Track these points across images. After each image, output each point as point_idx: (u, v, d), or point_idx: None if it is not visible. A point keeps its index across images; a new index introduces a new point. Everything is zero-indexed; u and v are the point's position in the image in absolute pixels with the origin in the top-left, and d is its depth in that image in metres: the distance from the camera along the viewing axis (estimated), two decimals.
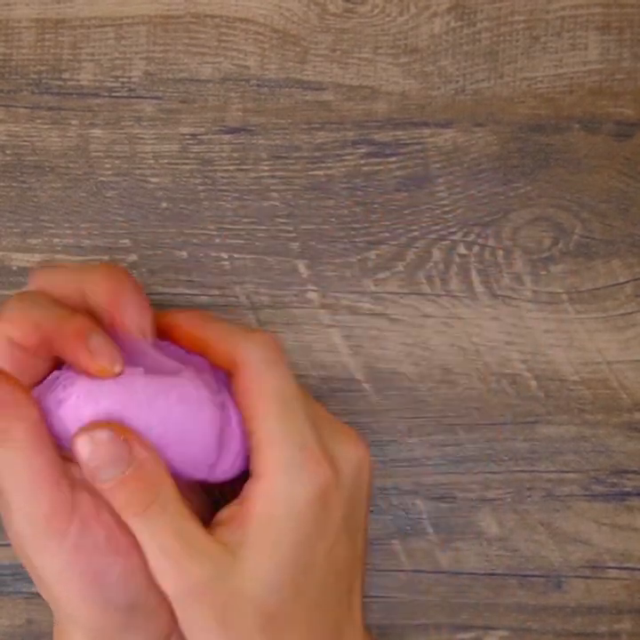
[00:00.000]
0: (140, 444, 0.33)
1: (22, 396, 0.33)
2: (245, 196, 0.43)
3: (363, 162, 0.43)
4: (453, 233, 0.43)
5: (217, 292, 0.43)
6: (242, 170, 0.43)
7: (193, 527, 0.34)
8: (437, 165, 0.43)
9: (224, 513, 0.35)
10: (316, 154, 0.43)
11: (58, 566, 0.34)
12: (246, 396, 0.35)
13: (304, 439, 0.34)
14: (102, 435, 0.33)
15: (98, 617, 0.34)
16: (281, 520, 0.34)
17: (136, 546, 0.34)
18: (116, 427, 0.33)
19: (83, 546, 0.34)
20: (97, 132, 0.43)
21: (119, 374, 0.34)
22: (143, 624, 0.35)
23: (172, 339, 0.36)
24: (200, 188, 0.43)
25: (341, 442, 0.36)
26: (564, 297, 0.43)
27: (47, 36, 0.43)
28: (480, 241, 0.43)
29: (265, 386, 0.35)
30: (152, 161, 0.43)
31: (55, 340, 0.34)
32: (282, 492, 0.34)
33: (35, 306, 0.35)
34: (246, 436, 0.35)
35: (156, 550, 0.33)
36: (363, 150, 0.43)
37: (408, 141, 0.43)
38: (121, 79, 0.43)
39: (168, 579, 0.33)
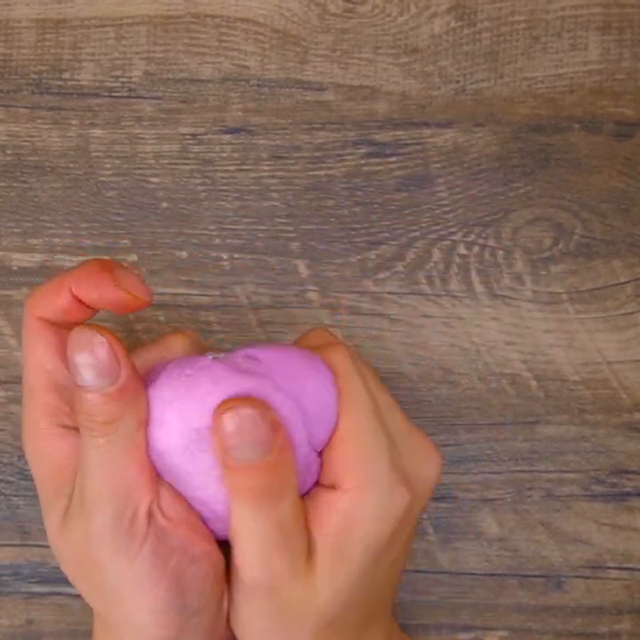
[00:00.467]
0: (285, 432, 0.32)
1: (142, 389, 0.32)
2: (246, 196, 0.43)
3: (363, 162, 0.43)
4: (453, 233, 0.43)
5: (217, 293, 0.43)
6: (242, 170, 0.43)
7: (295, 526, 0.33)
8: (437, 165, 0.43)
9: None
10: (317, 154, 0.43)
11: (135, 573, 0.33)
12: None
13: (393, 458, 0.33)
14: (250, 413, 0.31)
15: (169, 625, 0.33)
16: (360, 536, 0.33)
17: (209, 551, 0.34)
18: (269, 411, 0.31)
19: (162, 552, 0.33)
20: (97, 131, 0.43)
21: (147, 302, 0.33)
22: (202, 627, 0.34)
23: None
24: (200, 188, 0.43)
25: (422, 460, 0.35)
26: (565, 297, 0.43)
27: (47, 36, 0.43)
28: (480, 241, 0.43)
29: (355, 398, 0.33)
30: (152, 161, 0.43)
31: (81, 288, 0.33)
32: (366, 509, 0.33)
33: (49, 280, 0.34)
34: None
35: (254, 539, 0.32)
36: (363, 150, 0.43)
37: (408, 141, 0.43)
38: (121, 79, 0.43)
39: (252, 568, 0.33)
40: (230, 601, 0.34)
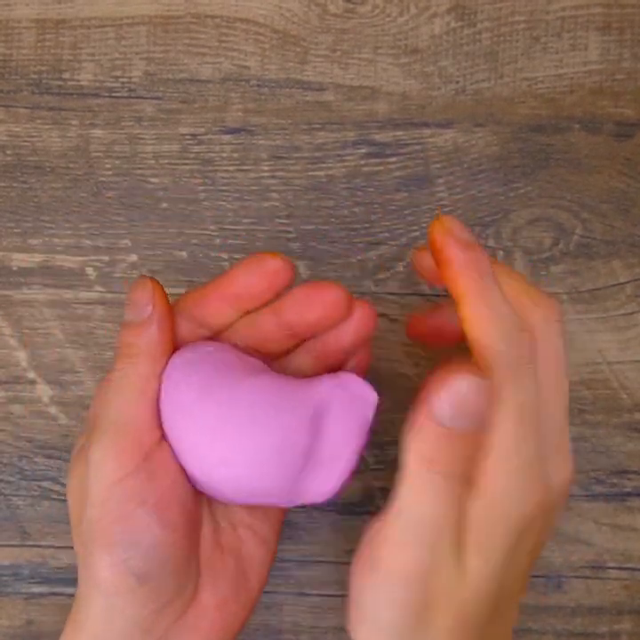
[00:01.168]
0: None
1: (163, 338, 0.35)
2: (245, 197, 0.43)
3: (363, 162, 0.43)
4: None
5: None
6: (242, 170, 0.43)
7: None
8: (437, 166, 0.43)
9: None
10: (317, 154, 0.43)
11: (107, 501, 0.34)
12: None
13: (533, 457, 0.32)
14: (478, 382, 0.31)
15: (111, 570, 0.34)
16: (496, 532, 0.32)
17: (182, 531, 0.35)
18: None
19: (138, 495, 0.34)
20: (97, 132, 0.43)
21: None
22: (145, 603, 0.35)
23: (437, 264, 0.33)
24: (200, 188, 0.43)
25: (557, 465, 0.34)
26: (565, 297, 0.43)
27: (47, 37, 0.43)
28: (480, 241, 0.43)
29: (509, 400, 0.32)
30: (152, 161, 0.43)
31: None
32: (500, 506, 0.32)
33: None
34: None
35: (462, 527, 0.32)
36: (363, 150, 0.43)
37: (408, 142, 0.43)
38: (121, 79, 0.43)
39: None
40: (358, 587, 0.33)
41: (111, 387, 0.35)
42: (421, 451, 0.32)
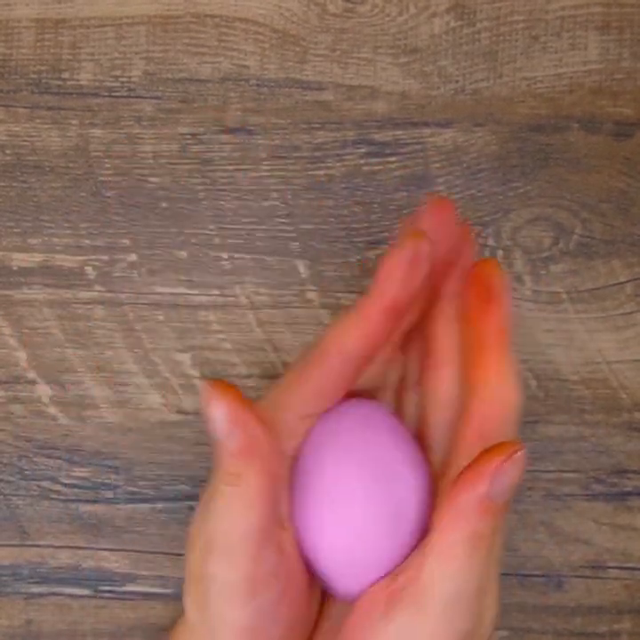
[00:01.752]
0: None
1: (266, 441, 0.33)
2: (245, 196, 0.43)
3: (362, 162, 0.43)
4: None
5: (217, 292, 0.43)
6: (241, 170, 0.43)
7: None
8: (437, 165, 0.43)
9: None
10: (316, 154, 0.43)
11: (239, 622, 0.33)
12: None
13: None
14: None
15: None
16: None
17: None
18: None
19: (271, 603, 0.33)
20: (97, 131, 0.43)
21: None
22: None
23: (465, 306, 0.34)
24: (200, 187, 0.43)
25: (493, 600, 0.34)
26: (564, 297, 0.43)
27: (47, 36, 0.43)
28: (480, 241, 0.43)
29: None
30: (152, 161, 0.43)
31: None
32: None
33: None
34: None
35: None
36: (362, 150, 0.43)
37: (408, 141, 0.43)
38: (121, 79, 0.43)
39: None
40: None
41: (222, 503, 0.33)
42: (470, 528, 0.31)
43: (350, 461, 0.34)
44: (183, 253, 0.43)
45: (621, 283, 0.43)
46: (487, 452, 0.31)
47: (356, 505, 0.33)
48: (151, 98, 0.43)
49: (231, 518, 0.32)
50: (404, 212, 0.43)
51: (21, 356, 0.43)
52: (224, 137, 0.43)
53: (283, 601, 0.33)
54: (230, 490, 0.32)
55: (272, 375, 0.43)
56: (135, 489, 0.43)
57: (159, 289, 0.43)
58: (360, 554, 0.34)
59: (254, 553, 0.32)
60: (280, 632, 0.34)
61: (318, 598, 0.36)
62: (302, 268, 0.43)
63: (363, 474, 0.34)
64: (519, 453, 0.31)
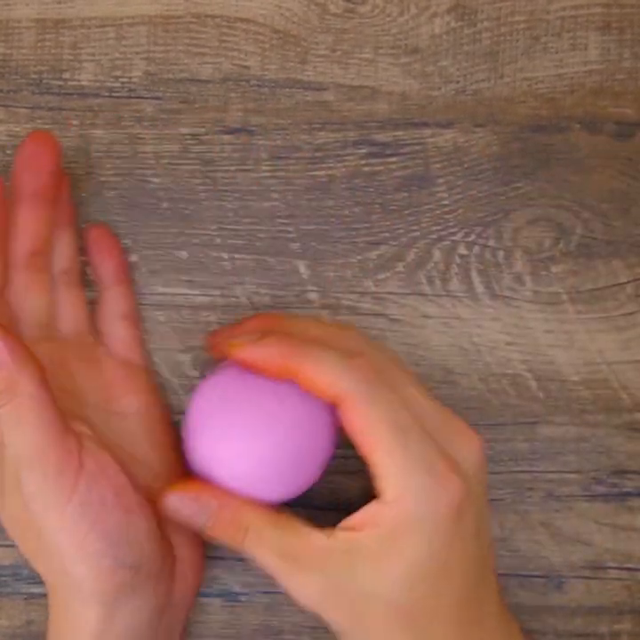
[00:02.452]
0: (216, 496, 0.36)
1: (26, 352, 0.34)
2: (246, 197, 0.43)
3: (363, 162, 0.43)
4: (454, 233, 0.43)
5: (217, 293, 0.43)
6: (242, 170, 0.43)
7: (295, 542, 0.35)
8: (438, 165, 0.43)
9: (349, 522, 0.36)
10: (317, 154, 0.43)
11: (67, 523, 0.35)
12: (359, 431, 0.35)
13: (428, 462, 0.35)
14: (181, 498, 0.36)
15: (105, 577, 0.35)
16: (414, 539, 0.35)
17: (145, 504, 0.36)
18: (193, 485, 0.36)
19: (91, 502, 0.35)
20: (97, 132, 0.43)
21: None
22: (145, 589, 0.37)
23: (258, 369, 0.36)
24: (200, 188, 0.43)
25: (461, 445, 0.36)
26: (565, 297, 0.43)
27: (47, 36, 0.43)
28: (481, 241, 0.43)
29: (375, 419, 0.35)
30: (153, 161, 0.43)
31: None
32: (414, 516, 0.34)
33: None
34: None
35: (275, 572, 0.36)
36: (363, 150, 0.43)
37: (408, 142, 0.43)
38: (121, 79, 0.43)
39: (298, 594, 0.35)
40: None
41: (12, 422, 0.34)
42: None
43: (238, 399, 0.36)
44: (184, 254, 0.43)
45: (622, 283, 0.43)
46: None
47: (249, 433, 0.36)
48: (152, 98, 0.43)
49: (20, 432, 0.34)
50: (405, 211, 0.43)
51: None
52: (225, 137, 0.43)
53: (111, 504, 0.35)
54: (11, 406, 0.34)
55: None
56: None
57: (160, 289, 0.43)
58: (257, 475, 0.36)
59: (57, 458, 0.34)
60: (130, 550, 0.35)
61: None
62: (303, 268, 0.43)
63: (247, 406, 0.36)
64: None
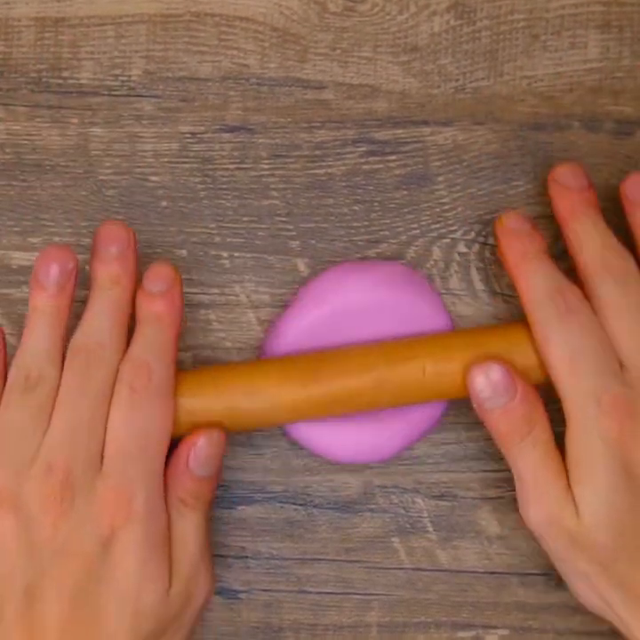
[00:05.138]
0: (524, 382, 0.38)
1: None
2: (245, 195, 0.43)
3: (363, 160, 0.43)
4: (454, 231, 0.43)
5: (217, 291, 0.43)
6: (242, 168, 0.43)
7: (556, 467, 0.38)
8: (437, 164, 0.43)
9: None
10: (316, 152, 0.43)
11: None
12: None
13: (595, 377, 0.37)
14: (499, 369, 0.38)
15: None
16: (598, 466, 0.37)
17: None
18: (508, 366, 0.38)
19: None
20: (97, 130, 0.43)
21: None
22: None
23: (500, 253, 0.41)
24: (200, 186, 0.43)
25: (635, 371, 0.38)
26: None
27: (47, 35, 0.43)
28: (480, 239, 0.43)
29: (554, 339, 0.38)
30: (152, 159, 0.43)
31: None
32: (589, 445, 0.37)
33: None
34: None
35: (526, 479, 0.38)
36: (363, 149, 0.43)
37: (408, 140, 0.43)
38: (121, 78, 0.43)
39: (531, 506, 0.38)
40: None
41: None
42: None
43: None
44: (183, 252, 0.43)
45: None
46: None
47: None
48: (151, 96, 0.43)
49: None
50: (404, 210, 0.43)
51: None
52: (224, 136, 0.43)
53: None
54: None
55: None
56: None
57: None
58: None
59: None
60: None
61: None
62: (302, 266, 0.43)
63: None
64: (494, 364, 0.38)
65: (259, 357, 0.42)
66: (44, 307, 0.39)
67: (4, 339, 0.40)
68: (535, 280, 0.39)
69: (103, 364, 0.38)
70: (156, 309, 0.39)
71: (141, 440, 0.37)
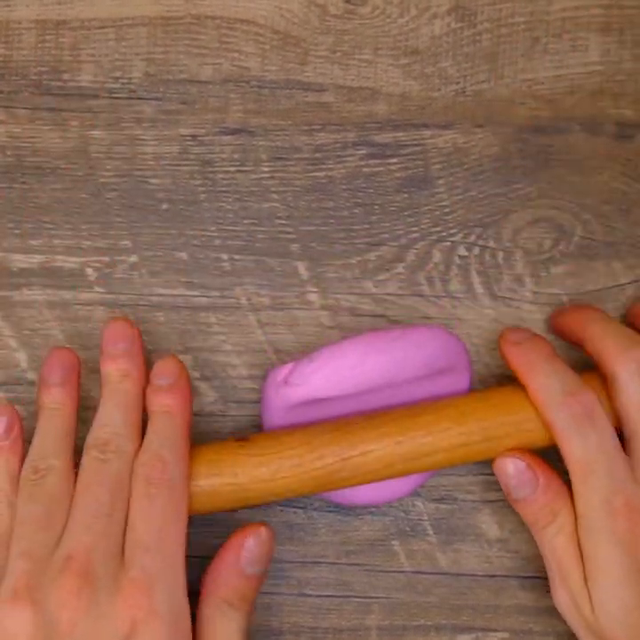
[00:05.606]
0: (546, 472, 0.40)
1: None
2: (246, 198, 0.43)
3: (363, 163, 0.43)
4: (454, 234, 0.43)
5: (217, 294, 0.43)
6: (242, 171, 0.43)
7: (578, 554, 0.39)
8: (438, 167, 0.43)
9: None
10: (317, 155, 0.43)
11: None
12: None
13: (611, 483, 0.38)
14: (521, 463, 0.39)
15: None
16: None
17: None
18: (529, 458, 0.39)
19: None
20: (97, 133, 0.43)
21: None
22: None
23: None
24: (200, 189, 0.43)
25: None
26: (565, 298, 0.43)
27: (47, 37, 0.43)
28: (480, 242, 0.43)
29: (569, 448, 0.39)
30: (152, 162, 0.43)
31: None
32: (600, 543, 0.38)
33: None
34: None
35: (551, 563, 0.40)
36: (363, 151, 0.43)
37: (408, 143, 0.43)
38: (121, 80, 0.43)
39: (556, 588, 0.40)
40: None
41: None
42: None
43: None
44: (183, 255, 0.43)
45: (622, 285, 0.43)
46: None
47: None
48: (152, 99, 0.43)
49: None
50: (405, 213, 0.43)
51: (22, 357, 0.43)
52: (225, 138, 0.43)
53: None
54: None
55: None
56: None
57: (160, 290, 0.43)
58: None
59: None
60: None
61: None
62: (303, 269, 0.43)
63: None
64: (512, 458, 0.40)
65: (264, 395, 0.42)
66: (50, 403, 0.40)
67: (21, 426, 0.40)
68: (546, 384, 0.39)
69: (120, 454, 0.38)
70: (166, 402, 0.39)
71: (159, 533, 0.37)
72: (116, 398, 0.40)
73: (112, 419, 0.39)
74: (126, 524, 0.37)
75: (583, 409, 0.38)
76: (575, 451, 0.38)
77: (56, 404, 0.40)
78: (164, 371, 0.40)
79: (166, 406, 0.39)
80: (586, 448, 0.38)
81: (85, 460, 0.38)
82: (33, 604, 0.35)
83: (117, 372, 0.40)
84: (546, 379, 0.39)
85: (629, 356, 0.39)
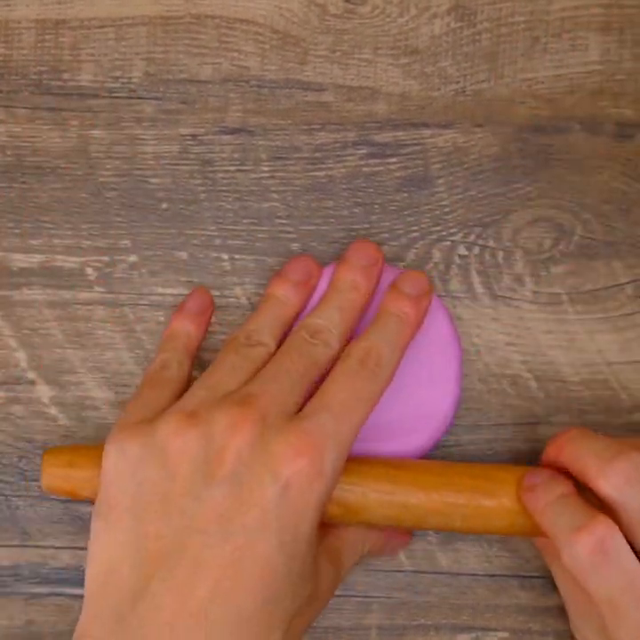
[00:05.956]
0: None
1: None
2: (245, 197, 0.43)
3: (363, 163, 0.43)
4: (454, 234, 0.43)
5: (217, 293, 0.43)
6: (242, 171, 0.43)
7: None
8: (437, 166, 0.43)
9: None
10: (317, 155, 0.43)
11: None
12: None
13: None
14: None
15: None
16: None
17: None
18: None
19: None
20: (97, 132, 0.43)
21: None
22: None
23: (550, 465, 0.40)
24: (200, 188, 0.43)
25: None
26: (565, 298, 0.43)
27: (47, 37, 0.43)
28: (480, 242, 0.43)
29: (594, 590, 0.36)
30: (152, 162, 0.43)
31: None
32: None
33: None
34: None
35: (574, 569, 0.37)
36: (363, 151, 0.43)
37: (408, 142, 0.43)
38: (121, 80, 0.43)
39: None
40: None
41: None
42: None
43: None
44: (183, 254, 0.43)
45: (622, 284, 0.43)
46: None
47: None
48: (152, 99, 0.43)
49: None
50: (404, 212, 0.43)
51: (21, 356, 0.43)
52: (224, 138, 0.43)
53: None
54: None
55: None
56: None
57: (159, 290, 0.43)
58: None
59: None
60: None
61: None
62: None
63: None
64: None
65: None
66: (281, 295, 0.41)
67: (211, 315, 0.42)
68: (558, 522, 0.37)
69: (326, 345, 0.39)
70: (405, 310, 0.39)
71: (346, 403, 0.37)
72: (341, 302, 0.40)
73: (330, 316, 0.39)
74: (321, 387, 0.38)
75: (595, 540, 0.36)
76: (598, 590, 0.36)
77: (286, 297, 0.41)
78: (414, 282, 0.40)
79: (404, 314, 0.39)
80: (606, 586, 0.36)
81: (293, 337, 0.39)
82: (201, 424, 0.36)
83: (351, 281, 0.40)
84: (557, 517, 0.37)
85: (613, 468, 0.37)
